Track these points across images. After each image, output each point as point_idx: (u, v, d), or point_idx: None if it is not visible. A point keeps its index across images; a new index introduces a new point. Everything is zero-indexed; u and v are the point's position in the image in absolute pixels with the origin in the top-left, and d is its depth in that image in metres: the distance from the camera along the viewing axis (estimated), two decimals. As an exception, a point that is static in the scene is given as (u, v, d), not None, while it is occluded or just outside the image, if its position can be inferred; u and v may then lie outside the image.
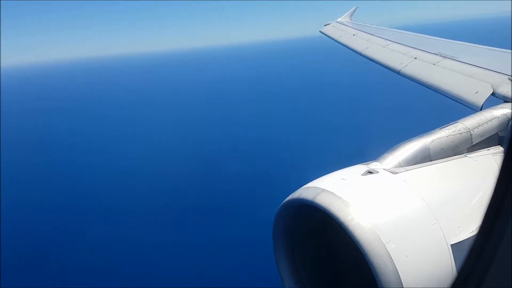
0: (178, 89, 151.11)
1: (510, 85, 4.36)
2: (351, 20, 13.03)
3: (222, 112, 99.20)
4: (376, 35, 9.56)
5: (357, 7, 13.85)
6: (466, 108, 4.73)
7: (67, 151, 75.40)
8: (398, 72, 6.92)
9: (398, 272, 2.40)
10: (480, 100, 4.52)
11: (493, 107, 3.87)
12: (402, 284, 2.41)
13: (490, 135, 3.53)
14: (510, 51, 6.21)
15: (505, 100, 4.21)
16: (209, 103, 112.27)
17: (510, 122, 3.56)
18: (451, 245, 2.58)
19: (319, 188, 2.73)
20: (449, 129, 3.40)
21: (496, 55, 6.38)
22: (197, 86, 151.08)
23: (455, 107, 5.04)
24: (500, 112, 3.67)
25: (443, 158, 3.21)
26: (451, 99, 5.18)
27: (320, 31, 12.58)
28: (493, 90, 4.59)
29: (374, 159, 3.08)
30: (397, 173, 2.89)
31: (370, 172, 2.87)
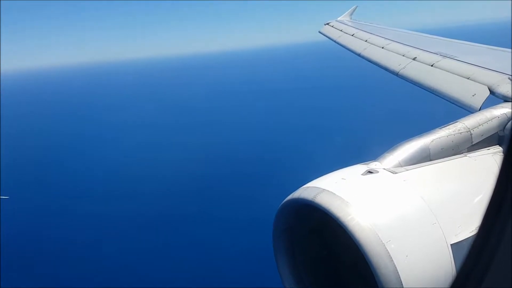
0: (178, 94, 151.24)
1: (510, 85, 4.35)
2: (351, 19, 12.98)
3: (223, 115, 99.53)
4: (375, 34, 9.50)
5: (357, 6, 13.80)
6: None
7: (66, 155, 75.54)
8: (396, 74, 6.89)
9: (398, 272, 2.40)
10: (477, 103, 4.52)
11: (493, 106, 3.86)
12: (402, 284, 2.40)
13: (490, 134, 3.52)
14: (510, 50, 6.19)
15: (505, 99, 4.20)
16: (210, 108, 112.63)
17: (510, 122, 3.55)
18: (451, 244, 2.57)
19: (319, 188, 2.72)
20: (449, 129, 3.39)
21: (496, 55, 6.36)
22: (197, 92, 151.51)
23: (455, 107, 5.04)
24: (500, 111, 3.66)
25: (443, 157, 3.20)
26: (449, 101, 5.18)
27: (319, 31, 12.52)
28: (493, 90, 4.58)
29: (374, 159, 3.07)
30: (397, 172, 2.88)
31: (370, 172, 2.86)
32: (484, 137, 3.49)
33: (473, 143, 3.44)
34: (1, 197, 49.28)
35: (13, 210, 48.79)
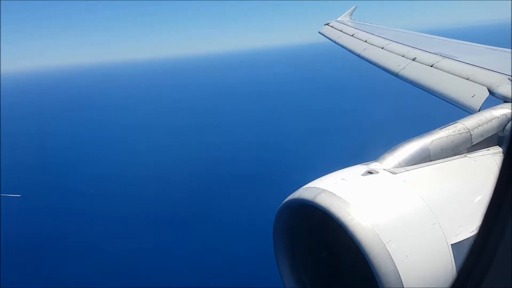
0: (179, 96, 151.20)
1: (509, 85, 4.35)
2: (350, 19, 12.95)
3: (223, 116, 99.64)
4: (375, 34, 9.48)
5: (356, 6, 13.77)
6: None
7: (67, 156, 75.56)
8: (396, 75, 6.88)
9: (398, 272, 2.40)
10: (476, 104, 4.52)
11: (493, 107, 3.85)
12: (402, 284, 2.40)
13: (490, 135, 3.52)
14: (509, 50, 6.19)
15: (505, 100, 4.20)
16: (211, 109, 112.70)
17: (510, 123, 3.55)
18: (451, 245, 2.58)
19: (319, 188, 2.72)
20: (449, 129, 3.39)
21: (496, 55, 6.36)
22: (198, 93, 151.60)
23: (455, 107, 5.04)
24: (500, 112, 3.66)
25: (443, 158, 3.21)
26: (449, 102, 5.18)
27: (319, 32, 12.49)
28: (492, 90, 4.58)
29: (374, 159, 3.07)
30: (397, 173, 2.88)
31: (370, 172, 2.86)
32: (484, 138, 3.49)
33: (473, 144, 3.44)
34: (13, 195, 49.79)
35: (12, 210, 48.78)
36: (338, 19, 12.95)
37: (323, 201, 2.62)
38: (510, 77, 4.57)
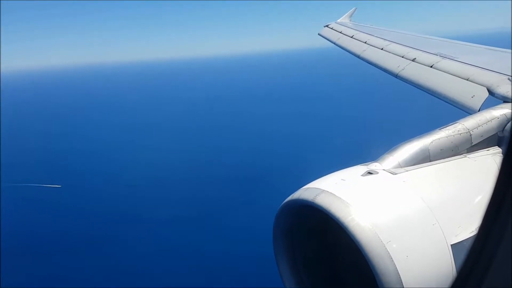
0: (178, 97, 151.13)
1: (509, 85, 4.35)
2: (350, 21, 12.94)
3: (225, 118, 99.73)
4: (375, 35, 9.48)
5: (356, 8, 13.76)
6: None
7: (66, 156, 75.55)
8: (396, 76, 6.88)
9: (398, 272, 2.41)
10: (476, 104, 4.52)
11: (493, 107, 3.84)
12: (402, 284, 2.41)
13: (490, 135, 3.52)
14: (509, 51, 6.20)
15: (505, 100, 4.20)
16: (213, 111, 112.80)
17: (510, 123, 3.55)
18: (451, 245, 2.58)
19: (319, 188, 2.73)
20: (448, 130, 3.38)
21: (495, 55, 6.37)
22: (198, 95, 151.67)
23: (455, 107, 5.05)
24: (500, 112, 3.66)
25: (443, 158, 3.21)
26: (448, 103, 5.18)
27: (318, 34, 12.47)
28: (492, 91, 4.58)
29: (374, 160, 3.07)
30: (396, 173, 2.88)
31: (370, 173, 2.86)
32: (484, 138, 3.49)
33: (473, 144, 3.43)
34: (53, 186, 50.74)
35: (11, 211, 48.78)
36: (338, 21, 12.92)
37: (323, 201, 2.63)
38: (509, 77, 4.57)
